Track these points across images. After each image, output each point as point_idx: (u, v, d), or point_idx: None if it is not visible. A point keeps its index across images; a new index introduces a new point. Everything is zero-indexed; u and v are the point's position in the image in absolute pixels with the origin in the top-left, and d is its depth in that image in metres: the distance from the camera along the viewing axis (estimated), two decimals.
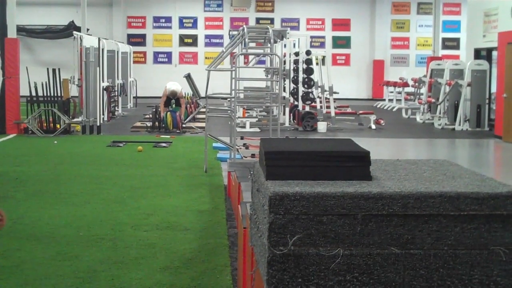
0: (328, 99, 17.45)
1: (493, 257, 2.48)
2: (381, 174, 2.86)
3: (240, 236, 4.58)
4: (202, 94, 11.39)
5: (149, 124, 16.40)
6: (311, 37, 25.00)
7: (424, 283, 2.46)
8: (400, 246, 2.47)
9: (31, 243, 6.02)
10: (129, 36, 28.64)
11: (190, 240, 6.20)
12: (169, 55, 28.94)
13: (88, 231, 6.47)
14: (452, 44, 28.97)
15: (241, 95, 14.91)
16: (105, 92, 16.91)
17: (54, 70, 15.19)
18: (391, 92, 24.36)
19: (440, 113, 17.90)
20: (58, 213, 7.22)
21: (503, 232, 2.48)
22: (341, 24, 29.04)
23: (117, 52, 20.54)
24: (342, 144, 3.09)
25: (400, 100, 22.76)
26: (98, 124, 15.42)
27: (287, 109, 17.06)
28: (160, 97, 17.04)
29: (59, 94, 15.29)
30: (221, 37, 28.41)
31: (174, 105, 16.55)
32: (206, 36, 28.79)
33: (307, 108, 16.96)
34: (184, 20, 28.83)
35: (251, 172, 3.24)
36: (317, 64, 17.56)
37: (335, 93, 17.71)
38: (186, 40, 28.80)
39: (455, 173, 2.92)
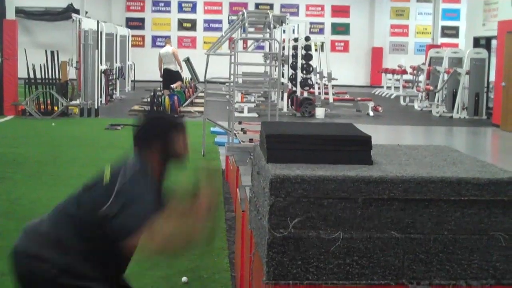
0: (327, 85, 17.43)
1: (493, 242, 2.49)
2: (382, 158, 2.86)
3: (238, 219, 4.59)
4: (201, 78, 11.37)
5: (147, 107, 16.36)
6: (310, 23, 24.90)
7: (424, 267, 2.47)
8: (400, 230, 2.47)
9: None
10: (128, 19, 28.51)
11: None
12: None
13: None
14: (451, 32, 28.91)
15: (240, 80, 14.89)
16: (103, 75, 16.86)
17: (52, 53, 15.13)
18: (390, 79, 24.32)
19: (438, 101, 17.89)
20: (55, 194, 7.21)
21: (503, 217, 2.49)
22: (341, 10, 28.94)
23: (116, 35, 20.46)
24: (343, 128, 3.08)
25: (398, 87, 22.72)
26: (96, 107, 15.39)
27: (285, 95, 17.03)
28: (158, 81, 17.02)
29: (57, 77, 15.24)
30: (220, 21, 28.30)
31: (175, 89, 16.59)
32: (205, 21, 28.68)
33: (306, 94, 16.94)
34: (183, 4, 28.71)
35: (252, 155, 3.23)
36: (316, 50, 17.51)
37: (333, 79, 17.67)
38: (185, 25, 28.69)
39: (456, 159, 2.92)
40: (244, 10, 10.71)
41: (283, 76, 16.86)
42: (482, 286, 2.48)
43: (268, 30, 11.99)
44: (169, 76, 17.52)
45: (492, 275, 2.48)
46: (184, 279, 4.61)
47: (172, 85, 16.99)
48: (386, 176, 2.48)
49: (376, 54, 29.25)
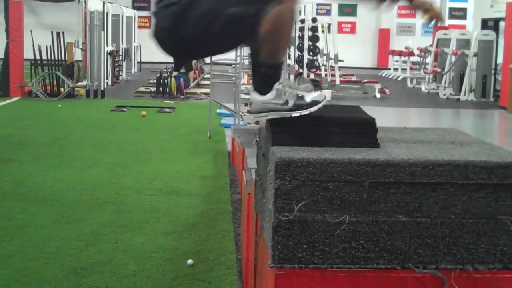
0: (333, 67, 17.37)
1: (500, 226, 2.46)
2: (388, 141, 2.83)
3: (244, 202, 4.58)
4: (207, 60, 11.31)
5: (153, 89, 16.34)
6: (317, 4, 24.81)
7: (430, 251, 2.45)
8: (406, 214, 2.45)
9: (35, 205, 6.03)
10: (134, 0, 28.42)
11: (193, 206, 6.21)
12: None
13: (91, 194, 6.47)
14: (459, 14, 28.74)
15: (246, 62, 14.83)
16: (109, 56, 16.83)
17: (58, 34, 15.10)
18: (397, 61, 24.22)
19: (445, 83, 17.82)
20: (61, 176, 7.22)
21: (511, 201, 2.46)
22: None
23: (122, 16, 20.41)
24: (350, 110, 3.05)
25: (405, 69, 22.63)
26: (102, 88, 15.38)
27: (292, 76, 16.98)
28: (164, 63, 16.95)
29: (63, 58, 15.22)
30: None
31: (184, 69, 16.53)
32: None
33: (312, 76, 16.89)
34: None
35: (257, 138, 3.21)
36: (322, 31, 17.45)
37: (340, 61, 17.61)
38: None
39: (464, 142, 2.89)
40: None
41: (289, 58, 16.81)
42: (489, 271, 2.45)
43: None
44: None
45: (500, 259, 2.46)
46: (189, 261, 4.61)
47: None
48: (393, 159, 2.45)
49: (383, 35, 29.14)
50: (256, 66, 2.91)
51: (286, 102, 2.76)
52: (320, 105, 2.78)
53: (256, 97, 2.82)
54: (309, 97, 2.78)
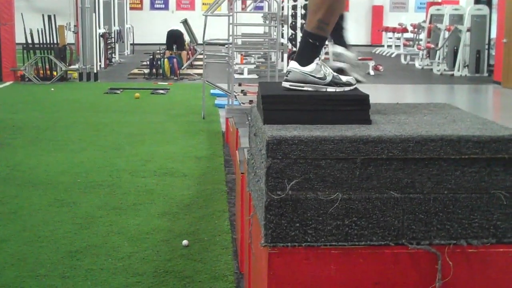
0: (326, 45, 17.28)
1: (494, 200, 2.45)
2: (380, 117, 2.81)
3: (238, 182, 4.57)
4: (200, 40, 11.26)
5: (146, 71, 16.28)
6: None
7: (424, 227, 2.44)
8: (399, 190, 2.43)
9: (29, 189, 6.01)
10: None
11: (188, 186, 6.20)
12: (165, 1, 28.62)
13: (85, 177, 6.45)
14: None
15: (239, 41, 14.77)
16: (101, 38, 16.75)
17: (49, 17, 15.01)
18: (390, 38, 24.15)
19: (439, 59, 17.79)
20: (55, 160, 7.19)
21: (504, 175, 2.45)
22: None
23: None
24: None
25: (399, 46, 22.57)
26: (95, 71, 15.32)
27: (285, 55, 16.92)
28: (157, 44, 16.91)
29: (55, 41, 15.14)
30: None
31: (175, 49, 16.49)
32: None
33: None
34: None
35: (249, 117, 3.19)
36: None
37: None
38: None
39: (456, 117, 2.87)
40: None
41: (282, 37, 16.73)
42: (483, 245, 2.45)
43: None
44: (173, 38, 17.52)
45: (493, 233, 2.45)
46: (184, 242, 4.61)
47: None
48: (385, 136, 2.43)
49: (377, 12, 29.03)
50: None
51: (324, 77, 2.84)
52: (352, 87, 2.89)
53: (297, 67, 2.84)
54: (344, 78, 2.90)
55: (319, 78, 2.83)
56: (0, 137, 8.39)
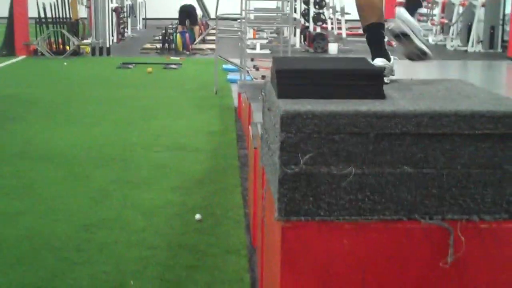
0: (340, 20, 17.22)
1: (507, 176, 2.45)
2: (394, 93, 2.81)
3: (250, 156, 4.58)
4: (212, 15, 11.24)
5: (158, 45, 16.27)
6: None
7: (436, 202, 2.44)
8: (412, 165, 2.44)
9: (43, 163, 6.05)
10: None
11: (200, 161, 6.22)
12: None
13: (99, 151, 6.49)
14: None
15: (252, 16, 14.71)
16: (114, 13, 16.73)
17: None
18: None
19: (453, 35, 17.66)
20: (69, 134, 7.23)
21: None
22: None
23: None
24: (355, 62, 3.03)
25: None
26: (107, 45, 15.32)
27: (298, 31, 16.86)
28: (170, 19, 16.86)
29: (67, 16, 15.14)
30: None
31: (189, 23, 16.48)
32: None
33: (318, 30, 16.75)
34: None
35: (263, 92, 3.19)
36: None
37: (346, 13, 17.42)
38: None
39: (470, 92, 2.86)
40: None
41: (295, 12, 16.65)
42: (495, 221, 2.45)
43: None
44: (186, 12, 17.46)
45: (506, 209, 2.45)
46: (197, 216, 4.64)
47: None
48: (399, 110, 2.44)
49: None
50: None
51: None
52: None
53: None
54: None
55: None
56: (14, 112, 8.44)
